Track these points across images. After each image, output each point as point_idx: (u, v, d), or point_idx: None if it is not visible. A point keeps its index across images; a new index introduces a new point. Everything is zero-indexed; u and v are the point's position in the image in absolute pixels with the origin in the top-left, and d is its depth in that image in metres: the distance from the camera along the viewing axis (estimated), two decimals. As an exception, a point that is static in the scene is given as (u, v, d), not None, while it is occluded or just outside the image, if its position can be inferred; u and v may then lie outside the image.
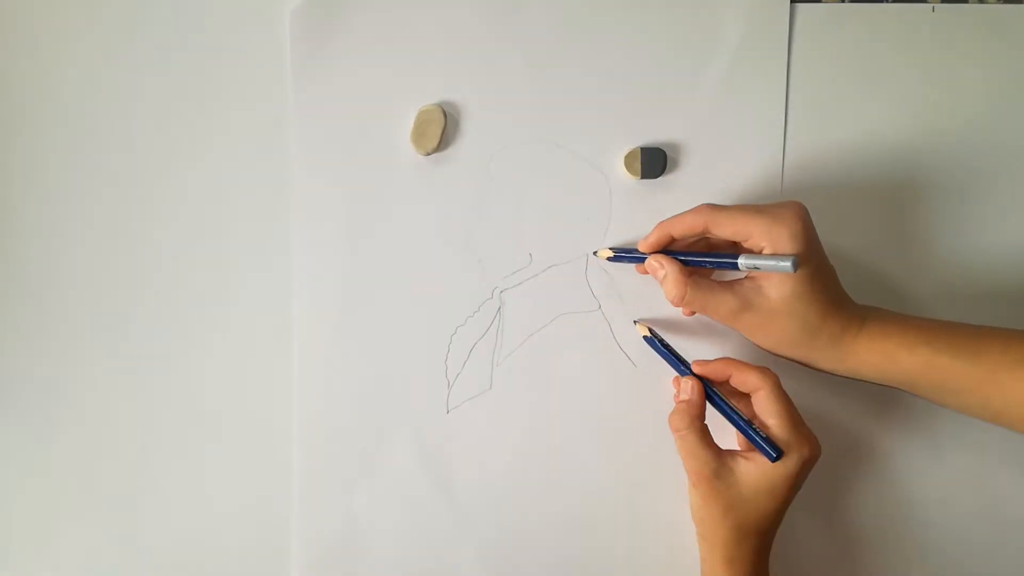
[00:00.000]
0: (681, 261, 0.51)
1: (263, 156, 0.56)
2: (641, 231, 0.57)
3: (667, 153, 0.56)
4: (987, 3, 0.57)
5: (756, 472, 0.49)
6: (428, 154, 0.56)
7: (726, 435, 0.52)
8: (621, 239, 0.57)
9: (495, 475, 0.57)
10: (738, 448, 0.53)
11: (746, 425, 0.49)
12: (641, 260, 0.53)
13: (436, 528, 0.57)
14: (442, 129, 0.56)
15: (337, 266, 0.56)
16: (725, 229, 0.49)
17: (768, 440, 0.48)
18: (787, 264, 0.45)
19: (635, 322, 0.56)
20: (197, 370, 0.57)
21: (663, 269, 0.51)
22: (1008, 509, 0.58)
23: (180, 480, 0.57)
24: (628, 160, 0.56)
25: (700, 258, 0.51)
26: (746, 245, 0.49)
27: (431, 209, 0.56)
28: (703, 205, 0.50)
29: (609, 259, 0.56)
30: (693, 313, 0.54)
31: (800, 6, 0.56)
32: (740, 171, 0.57)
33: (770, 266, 0.46)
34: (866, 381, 0.50)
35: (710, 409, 0.52)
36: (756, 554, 0.50)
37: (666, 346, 0.54)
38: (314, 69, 0.56)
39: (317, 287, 0.56)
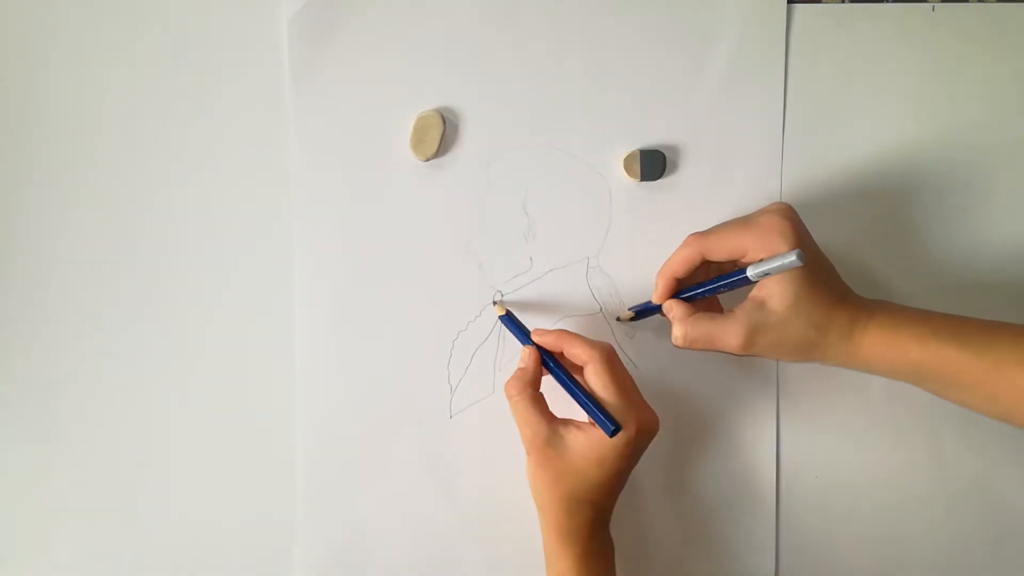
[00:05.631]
0: (698, 293, 0.52)
1: (263, 163, 0.56)
2: (641, 233, 0.57)
3: (666, 155, 0.56)
4: (987, 3, 0.57)
5: (585, 442, 0.49)
6: (427, 160, 0.56)
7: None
8: (621, 242, 0.57)
9: (499, 479, 0.57)
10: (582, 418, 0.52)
11: (584, 398, 0.49)
12: (659, 309, 0.53)
13: (441, 533, 0.57)
14: (441, 134, 0.56)
15: (338, 273, 0.56)
16: (720, 253, 0.50)
17: (607, 413, 0.48)
18: (793, 259, 0.45)
19: (494, 303, 0.56)
20: (200, 376, 0.57)
21: (671, 312, 0.51)
22: (1010, 508, 0.58)
23: (182, 488, 0.57)
24: (627, 163, 0.56)
25: (714, 285, 0.51)
26: (744, 261, 0.50)
27: (431, 215, 0.56)
28: (690, 236, 0.51)
29: (632, 320, 0.56)
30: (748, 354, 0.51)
31: (798, 7, 0.56)
32: (739, 172, 0.57)
33: (779, 267, 0.46)
34: (876, 374, 0.50)
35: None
36: (589, 525, 0.50)
37: (516, 321, 0.54)
38: (313, 76, 0.56)
39: (319, 293, 0.56)
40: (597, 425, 0.49)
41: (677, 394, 0.58)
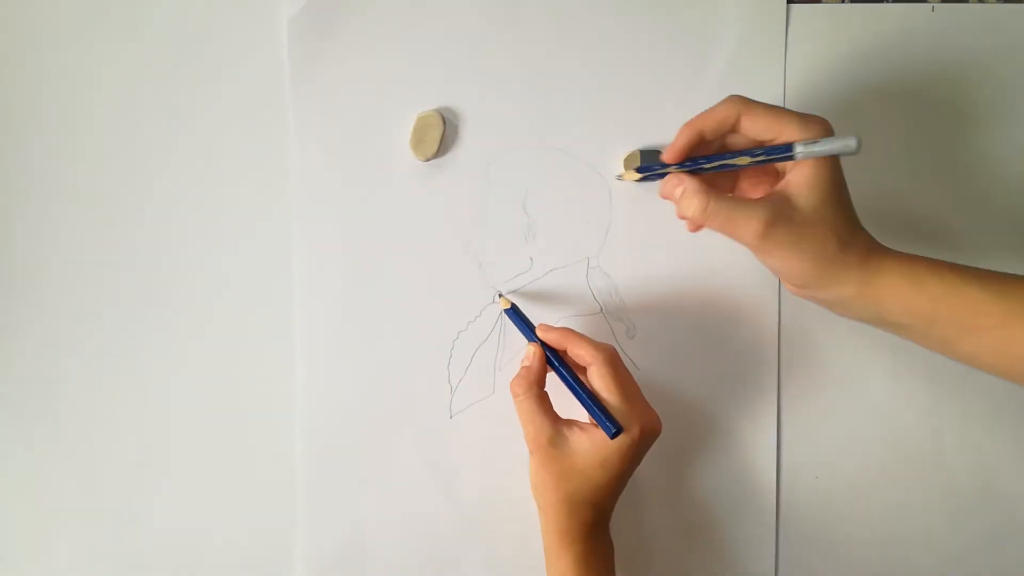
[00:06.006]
0: (719, 165, 0.48)
1: (263, 163, 0.56)
2: (642, 233, 0.57)
3: (666, 155, 0.56)
4: (987, 3, 0.57)
5: (588, 443, 0.49)
6: (427, 160, 0.56)
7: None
8: (622, 242, 0.57)
9: (499, 479, 0.57)
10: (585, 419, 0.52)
11: (587, 398, 0.49)
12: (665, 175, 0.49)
13: (441, 533, 0.57)
14: (441, 135, 0.56)
15: (338, 273, 0.56)
16: (759, 123, 0.46)
17: (609, 415, 0.48)
18: (852, 143, 0.43)
19: (499, 295, 0.56)
20: (200, 376, 0.57)
21: (680, 185, 0.47)
22: (1010, 508, 0.58)
23: (182, 488, 0.57)
24: (627, 162, 0.56)
25: (744, 155, 0.46)
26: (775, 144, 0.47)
27: (431, 215, 0.56)
28: (733, 96, 0.47)
29: (638, 180, 0.53)
30: (698, 228, 0.48)
31: (797, 7, 0.56)
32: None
33: (835, 148, 0.44)
34: (886, 317, 0.47)
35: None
36: (590, 526, 0.50)
37: (521, 316, 0.54)
38: (313, 76, 0.56)
39: (319, 293, 0.56)
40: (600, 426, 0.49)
41: (677, 394, 0.58)
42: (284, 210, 0.56)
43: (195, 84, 0.56)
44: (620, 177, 0.54)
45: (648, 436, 0.49)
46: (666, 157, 0.49)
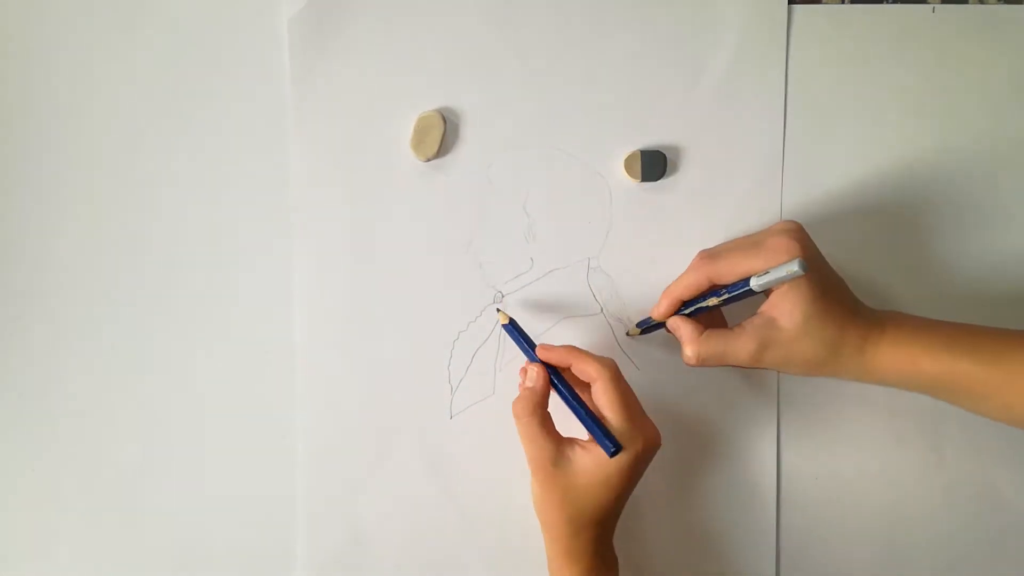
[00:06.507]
0: (701, 308, 0.51)
1: (264, 164, 0.56)
2: (642, 234, 0.57)
3: (667, 156, 0.56)
4: (987, 3, 0.57)
5: (591, 462, 0.48)
6: (428, 160, 0.56)
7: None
8: (622, 242, 0.57)
9: (499, 479, 0.57)
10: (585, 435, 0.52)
11: (588, 417, 0.49)
12: (664, 324, 0.53)
13: (441, 534, 0.57)
14: (442, 135, 0.56)
15: (339, 273, 0.56)
16: (728, 278, 0.49)
17: (609, 434, 0.48)
18: (795, 268, 0.45)
19: (497, 309, 0.56)
20: (200, 376, 0.57)
21: (678, 331, 0.51)
22: (1010, 508, 0.58)
23: (182, 489, 0.57)
24: (628, 163, 0.56)
25: (718, 299, 0.50)
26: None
27: (432, 215, 0.56)
28: (698, 259, 0.51)
29: (640, 334, 0.56)
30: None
31: (798, 7, 0.56)
32: (740, 173, 0.57)
33: (782, 277, 0.46)
34: (889, 387, 0.50)
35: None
36: (595, 543, 0.50)
37: (520, 331, 0.53)
38: (313, 76, 0.56)
39: (319, 294, 0.56)
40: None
41: (677, 396, 0.58)
42: (284, 210, 0.56)
43: (195, 84, 0.56)
44: (628, 334, 0.57)
45: (649, 451, 0.49)
46: (652, 315, 0.54)
